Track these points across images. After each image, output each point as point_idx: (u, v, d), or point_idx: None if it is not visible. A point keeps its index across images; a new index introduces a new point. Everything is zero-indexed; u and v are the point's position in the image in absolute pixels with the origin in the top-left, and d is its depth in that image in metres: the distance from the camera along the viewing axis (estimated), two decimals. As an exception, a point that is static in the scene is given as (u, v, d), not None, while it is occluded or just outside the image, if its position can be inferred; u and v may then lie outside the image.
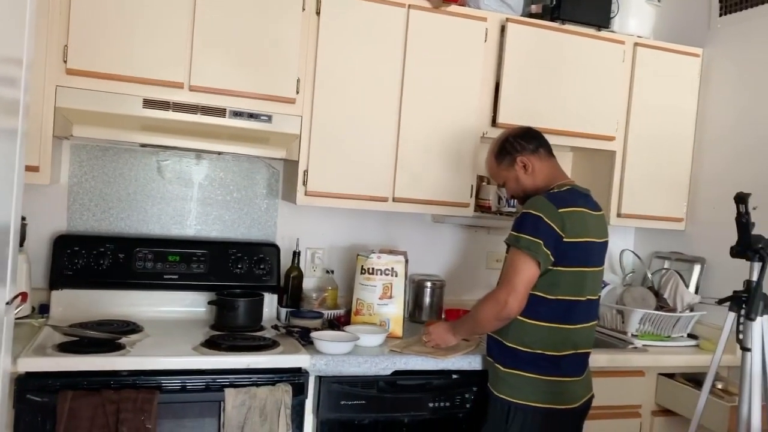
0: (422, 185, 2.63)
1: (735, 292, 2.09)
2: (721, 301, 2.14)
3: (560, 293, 2.03)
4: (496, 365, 2.11)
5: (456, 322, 2.33)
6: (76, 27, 2.17)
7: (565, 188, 2.11)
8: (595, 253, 2.11)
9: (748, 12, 2.78)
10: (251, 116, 2.37)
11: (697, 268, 2.91)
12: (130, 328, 2.29)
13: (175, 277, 2.56)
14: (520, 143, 2.17)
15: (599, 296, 2.19)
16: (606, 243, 2.18)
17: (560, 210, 2.00)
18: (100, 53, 2.20)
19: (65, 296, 2.44)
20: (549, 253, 1.97)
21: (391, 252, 2.58)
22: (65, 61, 2.17)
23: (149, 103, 2.26)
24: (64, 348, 2.01)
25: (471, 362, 2.31)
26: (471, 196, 2.72)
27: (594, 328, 2.17)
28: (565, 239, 1.99)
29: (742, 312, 2.06)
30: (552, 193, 2.08)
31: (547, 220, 1.98)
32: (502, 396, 2.07)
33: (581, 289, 2.06)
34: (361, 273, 2.52)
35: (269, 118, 2.39)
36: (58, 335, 2.11)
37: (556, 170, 2.19)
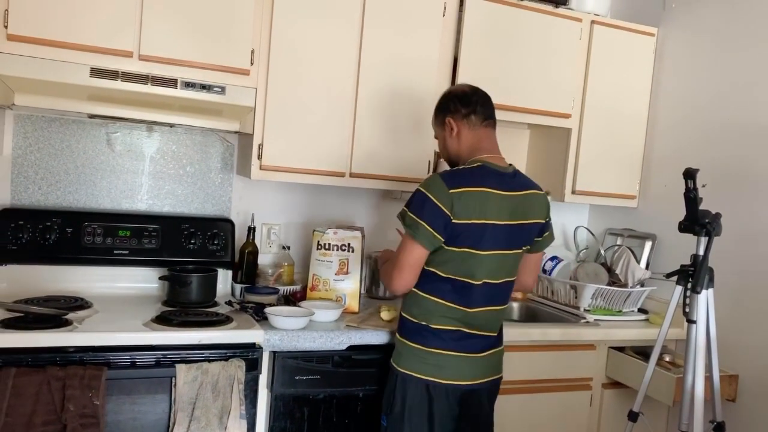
0: (379, 160, 2.61)
1: (682, 265, 2.14)
2: (668, 275, 2.18)
3: (451, 273, 1.96)
4: (396, 334, 2.10)
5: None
6: (17, -10, 2.07)
7: (475, 165, 1.98)
8: (496, 236, 1.96)
9: (702, -8, 2.83)
10: (204, 87, 2.31)
11: (648, 245, 2.97)
12: (79, 304, 2.24)
13: (126, 252, 2.50)
14: (455, 104, 2.04)
15: (507, 281, 2.04)
16: (521, 226, 2.01)
17: (451, 191, 1.89)
18: (44, 19, 2.10)
19: (10, 272, 2.36)
20: (434, 233, 1.90)
21: (348, 228, 2.56)
22: (6, 27, 2.07)
23: (97, 72, 2.18)
24: (8, 324, 1.95)
25: (426, 337, 2.32)
26: (428, 172, 2.71)
27: (499, 312, 2.07)
28: (453, 220, 1.89)
29: (689, 285, 2.11)
30: (453, 171, 1.99)
31: (434, 200, 1.89)
32: (393, 364, 2.06)
33: (473, 272, 1.95)
34: (317, 248, 2.50)
35: (222, 90, 2.34)
36: (2, 311, 2.04)
37: (482, 142, 2.03)
